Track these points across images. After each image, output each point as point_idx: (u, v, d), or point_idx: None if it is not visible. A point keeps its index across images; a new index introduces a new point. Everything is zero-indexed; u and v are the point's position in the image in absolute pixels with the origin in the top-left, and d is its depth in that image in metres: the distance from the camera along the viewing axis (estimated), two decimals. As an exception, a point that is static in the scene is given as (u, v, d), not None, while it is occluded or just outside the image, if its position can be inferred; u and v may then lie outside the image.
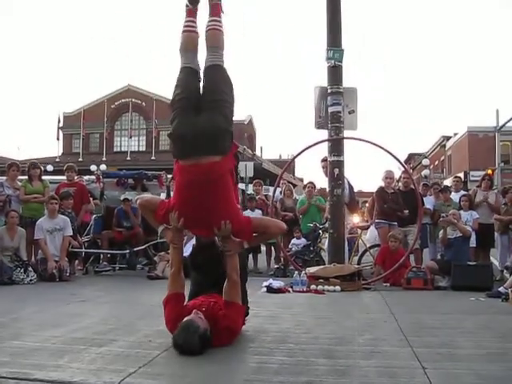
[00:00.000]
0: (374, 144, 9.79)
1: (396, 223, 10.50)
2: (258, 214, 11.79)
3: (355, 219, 12.36)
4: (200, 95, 4.69)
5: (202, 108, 4.57)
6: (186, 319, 4.17)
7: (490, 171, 23.96)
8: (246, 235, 4.62)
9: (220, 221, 4.44)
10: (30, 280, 9.03)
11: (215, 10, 4.92)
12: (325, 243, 11.15)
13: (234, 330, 4.50)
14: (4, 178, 11.07)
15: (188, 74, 4.77)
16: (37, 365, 3.72)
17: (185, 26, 4.93)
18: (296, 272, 9.01)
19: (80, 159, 41.00)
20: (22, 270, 9.04)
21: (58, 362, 3.80)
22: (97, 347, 4.28)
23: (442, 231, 9.75)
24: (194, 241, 5.96)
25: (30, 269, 9.20)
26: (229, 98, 4.70)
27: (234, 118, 4.81)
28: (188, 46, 4.84)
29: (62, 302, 7.05)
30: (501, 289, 7.79)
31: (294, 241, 11.54)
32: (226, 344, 4.34)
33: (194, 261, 4.96)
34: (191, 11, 4.97)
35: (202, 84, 4.76)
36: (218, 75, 4.73)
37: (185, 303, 4.60)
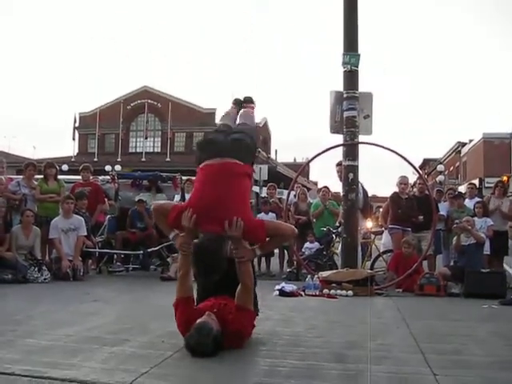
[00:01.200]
0: (389, 149, 9.78)
1: (410, 229, 10.48)
2: (271, 217, 11.81)
3: (368, 224, 12.34)
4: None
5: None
6: (199, 321, 4.18)
7: (505, 178, 23.89)
8: (258, 236, 4.63)
9: (233, 217, 4.47)
10: (44, 279, 9.10)
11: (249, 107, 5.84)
12: (338, 247, 11.14)
13: (243, 334, 4.50)
14: (20, 177, 11.17)
15: (223, 124, 5.53)
16: (50, 363, 3.75)
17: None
18: (309, 276, 9.01)
19: (95, 159, 41.15)
20: (37, 269, 9.11)
21: (71, 361, 3.83)
22: (110, 347, 4.31)
23: (455, 238, 9.72)
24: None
25: (45, 268, 9.27)
26: (253, 144, 5.14)
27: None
28: (227, 115, 5.74)
29: (75, 301, 7.11)
30: (514, 296, 7.77)
31: (307, 245, 11.53)
32: (235, 347, 4.34)
33: None
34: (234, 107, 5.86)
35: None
36: (246, 128, 5.28)
37: (194, 305, 4.62)
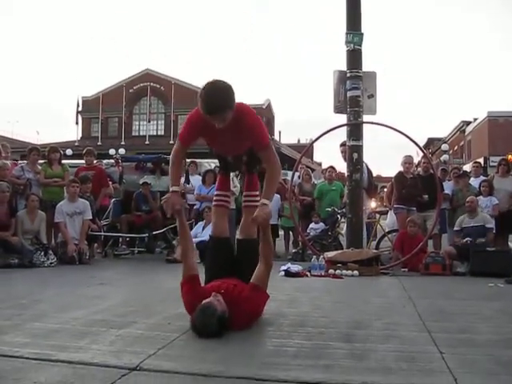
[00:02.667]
0: (393, 129, 9.74)
1: (415, 208, 10.46)
2: (276, 198, 11.81)
3: (372, 204, 12.32)
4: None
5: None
6: (204, 302, 4.19)
7: (510, 156, 23.77)
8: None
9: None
10: (50, 263, 9.13)
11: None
12: (343, 228, 11.14)
13: (254, 315, 4.53)
14: (24, 162, 11.17)
15: None
16: (58, 346, 3.76)
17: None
18: (314, 256, 9.02)
19: (99, 143, 41.25)
20: (43, 253, 9.13)
21: (78, 344, 3.84)
22: (117, 329, 4.32)
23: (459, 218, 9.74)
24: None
25: (50, 252, 9.30)
26: None
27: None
28: None
29: (81, 284, 7.13)
30: (520, 275, 7.77)
31: (312, 225, 11.53)
32: (244, 328, 4.36)
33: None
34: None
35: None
36: None
37: (202, 285, 4.64)
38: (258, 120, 4.63)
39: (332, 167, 12.58)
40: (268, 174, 4.75)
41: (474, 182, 11.38)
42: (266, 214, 4.49)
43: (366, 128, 10.31)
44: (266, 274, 4.63)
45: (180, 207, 4.70)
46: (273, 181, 4.75)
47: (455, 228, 9.83)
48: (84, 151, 11.95)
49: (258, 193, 5.21)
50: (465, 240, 9.34)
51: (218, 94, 4.17)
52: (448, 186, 11.41)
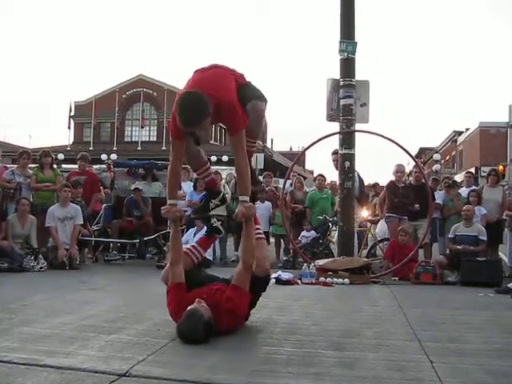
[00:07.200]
0: (386, 137, 9.77)
1: (406, 217, 10.48)
2: (267, 205, 11.80)
3: (364, 213, 12.32)
4: None
5: None
6: (189, 308, 4.21)
7: (501, 167, 23.92)
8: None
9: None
10: (41, 267, 9.09)
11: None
12: (334, 236, 11.14)
13: (236, 314, 4.48)
14: (15, 166, 11.12)
15: None
16: (47, 351, 3.74)
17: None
18: (305, 264, 9.01)
19: (91, 148, 41.08)
20: (33, 258, 9.09)
21: (67, 349, 3.82)
22: (106, 335, 4.31)
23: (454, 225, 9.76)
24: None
25: (41, 256, 9.25)
26: None
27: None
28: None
29: (71, 289, 7.10)
30: (510, 285, 7.82)
31: (303, 233, 11.52)
32: (227, 328, 4.36)
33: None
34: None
35: None
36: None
37: (186, 292, 4.62)
38: (235, 106, 4.52)
39: (321, 175, 12.59)
40: (237, 169, 4.72)
41: (466, 192, 11.39)
42: (247, 208, 4.56)
43: (358, 136, 10.35)
44: (246, 274, 4.58)
45: (181, 214, 4.87)
46: (243, 175, 4.66)
47: (449, 235, 9.86)
48: (78, 156, 11.86)
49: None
50: (456, 246, 9.39)
51: (191, 109, 4.21)
52: (439, 196, 11.44)
